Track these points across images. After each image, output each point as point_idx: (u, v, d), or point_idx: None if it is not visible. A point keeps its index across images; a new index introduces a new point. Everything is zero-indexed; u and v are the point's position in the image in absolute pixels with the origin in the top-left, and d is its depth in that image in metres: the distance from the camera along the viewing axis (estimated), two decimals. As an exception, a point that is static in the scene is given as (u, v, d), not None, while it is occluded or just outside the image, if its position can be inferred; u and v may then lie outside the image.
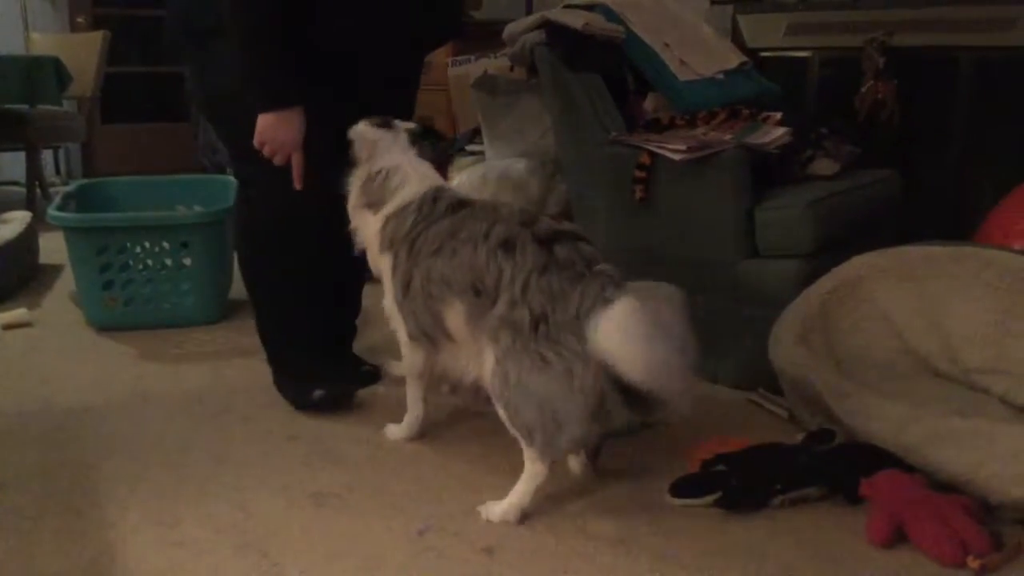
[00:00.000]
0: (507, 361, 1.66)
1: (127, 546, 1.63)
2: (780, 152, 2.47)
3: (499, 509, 1.73)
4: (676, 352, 1.50)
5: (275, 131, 2.02)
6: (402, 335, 1.98)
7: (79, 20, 5.86)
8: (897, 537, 1.63)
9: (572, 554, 1.61)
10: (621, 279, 1.65)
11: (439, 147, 2.32)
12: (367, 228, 2.00)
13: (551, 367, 1.61)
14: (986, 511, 1.66)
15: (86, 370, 2.53)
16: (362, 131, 2.01)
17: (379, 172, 1.97)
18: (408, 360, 2.01)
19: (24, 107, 4.68)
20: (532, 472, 1.72)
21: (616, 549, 1.63)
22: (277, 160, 2.06)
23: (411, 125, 2.08)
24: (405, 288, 1.89)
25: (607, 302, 1.56)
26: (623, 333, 1.50)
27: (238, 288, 2.94)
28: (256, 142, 2.04)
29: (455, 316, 1.79)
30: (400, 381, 2.13)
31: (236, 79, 2.03)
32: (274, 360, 2.32)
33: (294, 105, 2.02)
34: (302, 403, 2.22)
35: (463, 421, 2.19)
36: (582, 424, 1.63)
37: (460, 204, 1.88)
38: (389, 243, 1.93)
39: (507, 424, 1.72)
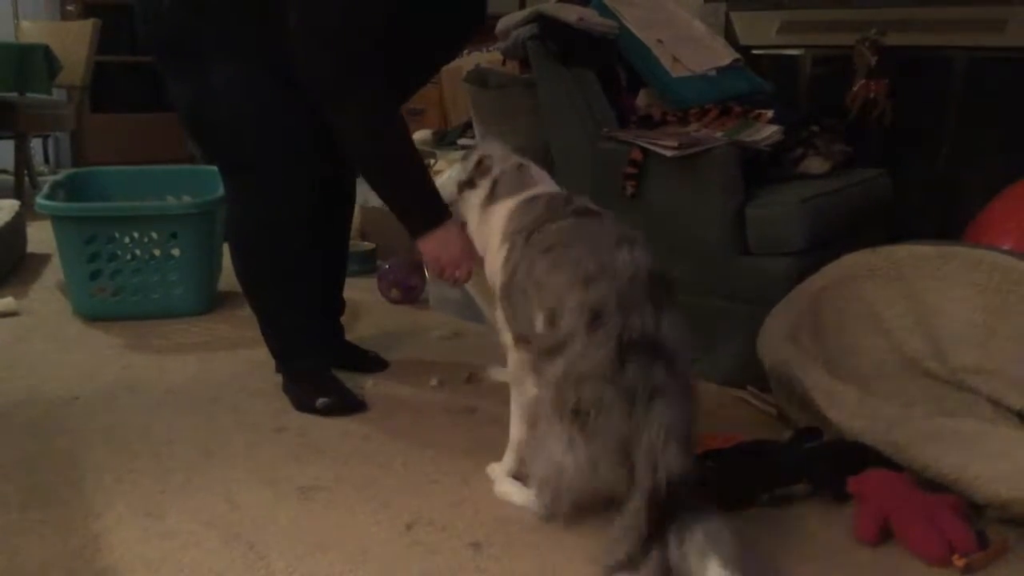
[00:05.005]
0: (541, 422, 1.60)
1: (113, 537, 1.62)
2: (771, 150, 2.47)
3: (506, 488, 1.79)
4: None
5: (445, 248, 1.95)
6: (507, 338, 1.78)
7: (69, 8, 5.82)
8: (884, 535, 1.63)
9: (559, 548, 1.61)
10: (676, 424, 1.49)
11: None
12: (490, 228, 1.85)
13: (576, 449, 1.53)
14: (972, 510, 1.67)
15: (73, 360, 2.52)
16: (489, 146, 1.94)
17: (513, 166, 1.87)
18: (514, 366, 1.77)
19: (13, 95, 4.66)
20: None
21: (603, 543, 1.62)
22: (461, 276, 1.99)
23: None
24: (511, 276, 1.72)
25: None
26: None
27: (227, 279, 2.94)
28: (434, 272, 2.00)
29: (537, 325, 1.64)
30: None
31: (237, 102, 2.00)
32: (282, 365, 2.31)
33: (448, 217, 1.95)
34: (304, 408, 2.19)
35: (452, 416, 2.19)
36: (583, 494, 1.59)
37: (588, 211, 1.73)
38: (511, 232, 1.76)
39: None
